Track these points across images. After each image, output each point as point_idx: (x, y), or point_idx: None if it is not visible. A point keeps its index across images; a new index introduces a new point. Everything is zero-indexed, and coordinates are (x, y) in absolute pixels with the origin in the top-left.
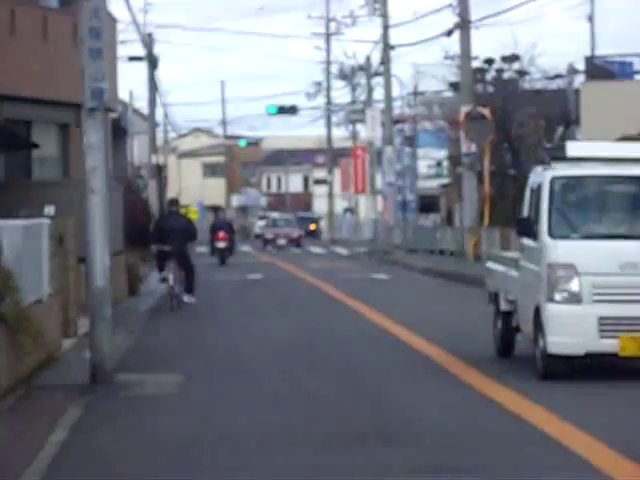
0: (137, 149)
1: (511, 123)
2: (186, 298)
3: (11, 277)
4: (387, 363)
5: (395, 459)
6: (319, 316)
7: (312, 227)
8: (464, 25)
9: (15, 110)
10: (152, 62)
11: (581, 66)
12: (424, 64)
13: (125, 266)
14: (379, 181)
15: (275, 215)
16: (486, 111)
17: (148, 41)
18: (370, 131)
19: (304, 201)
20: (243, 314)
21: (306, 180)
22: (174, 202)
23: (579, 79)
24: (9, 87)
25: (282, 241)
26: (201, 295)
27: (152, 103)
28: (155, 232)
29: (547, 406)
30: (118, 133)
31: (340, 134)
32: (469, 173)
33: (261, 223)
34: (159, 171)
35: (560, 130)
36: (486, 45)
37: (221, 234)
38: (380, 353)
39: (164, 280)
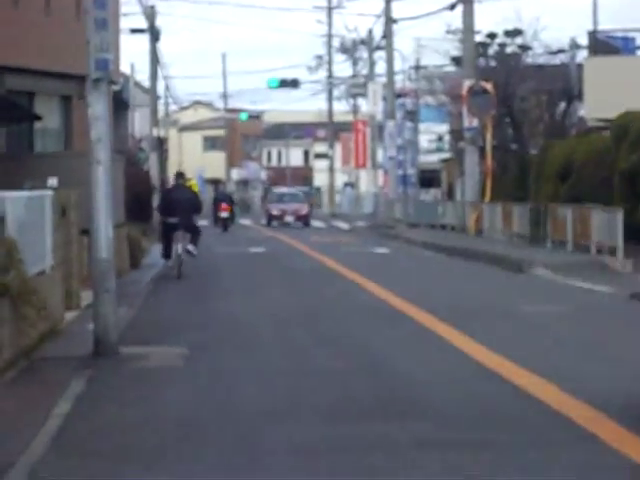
0: (138, 122)
1: (513, 98)
2: (190, 247)
3: (15, 248)
4: (389, 335)
5: (402, 433)
6: (321, 289)
7: (226, 208)
8: None
9: (18, 81)
10: (154, 35)
11: (584, 41)
12: (426, 38)
13: (127, 239)
14: (380, 155)
15: (282, 189)
16: (489, 85)
17: (150, 13)
18: (372, 105)
19: (304, 175)
20: (246, 287)
21: (306, 154)
22: (181, 175)
23: (582, 54)
24: (12, 58)
25: (289, 218)
26: (204, 268)
27: (154, 76)
28: (162, 204)
29: None
30: (119, 106)
31: (341, 108)
32: (471, 148)
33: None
34: (160, 144)
35: (563, 105)
36: (489, 19)
37: (223, 205)
38: (383, 326)
39: (167, 257)
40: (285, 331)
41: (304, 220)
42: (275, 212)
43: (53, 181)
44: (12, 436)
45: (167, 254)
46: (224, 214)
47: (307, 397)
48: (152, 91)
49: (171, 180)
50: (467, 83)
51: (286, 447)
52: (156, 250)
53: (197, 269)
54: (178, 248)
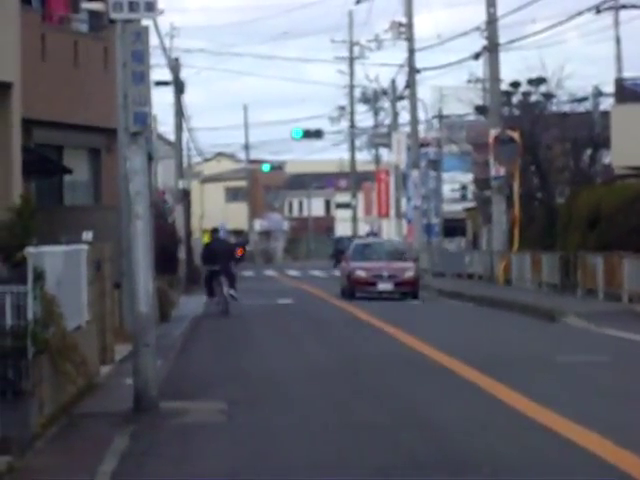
0: (161, 174)
1: (539, 146)
2: (232, 292)
3: (55, 303)
4: (429, 388)
5: None
6: (355, 341)
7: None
8: (492, 48)
9: (46, 135)
10: (179, 87)
11: (608, 88)
12: (448, 87)
13: (156, 291)
14: (403, 205)
15: (370, 239)
16: (515, 134)
17: (175, 66)
18: (396, 155)
19: (326, 225)
20: (277, 338)
21: (328, 204)
22: (216, 230)
23: (607, 101)
24: (40, 112)
25: (385, 285)
26: (234, 320)
27: (179, 128)
28: (206, 254)
29: None
30: None
31: (362, 158)
32: (498, 197)
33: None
34: (186, 196)
35: (588, 153)
36: (511, 68)
37: (238, 249)
38: (423, 379)
39: (211, 295)
40: (321, 384)
41: (411, 288)
42: (362, 275)
43: (88, 235)
44: None
45: (211, 293)
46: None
47: (355, 452)
48: (177, 144)
49: (196, 232)
50: (493, 132)
51: None
52: (185, 302)
53: (228, 321)
54: (224, 289)
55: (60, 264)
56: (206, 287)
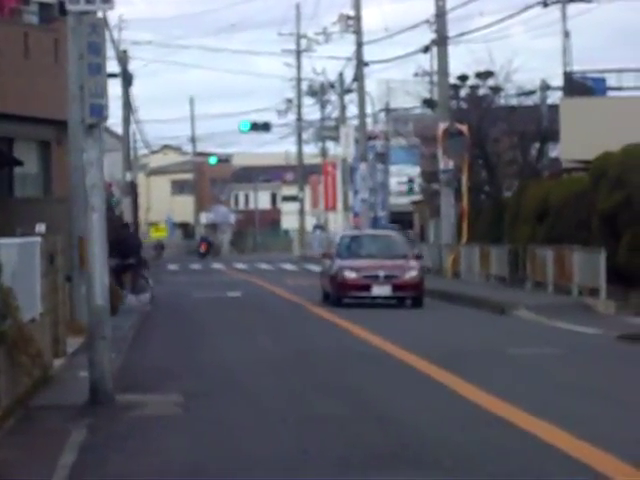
0: (107, 166)
1: (486, 139)
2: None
3: (11, 295)
4: (382, 380)
5: None
6: (304, 333)
7: (203, 247)
8: (441, 41)
9: None
10: (127, 79)
11: (556, 82)
12: (394, 80)
13: None
14: (351, 198)
15: (362, 232)
16: (464, 128)
17: (123, 58)
18: (344, 148)
19: (272, 218)
20: (229, 331)
21: (274, 197)
22: (126, 225)
23: (555, 95)
24: None
25: (381, 289)
26: (184, 313)
27: (127, 121)
28: (118, 248)
29: None
30: None
31: (309, 151)
32: (447, 190)
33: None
34: (133, 189)
35: (536, 146)
36: (459, 62)
37: (203, 244)
38: (377, 372)
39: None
40: (278, 378)
41: (413, 292)
42: (351, 277)
43: (41, 227)
44: None
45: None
46: (203, 249)
47: (314, 445)
48: (125, 136)
49: (143, 226)
50: (442, 125)
51: None
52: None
53: (178, 314)
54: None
55: (15, 256)
56: (118, 281)
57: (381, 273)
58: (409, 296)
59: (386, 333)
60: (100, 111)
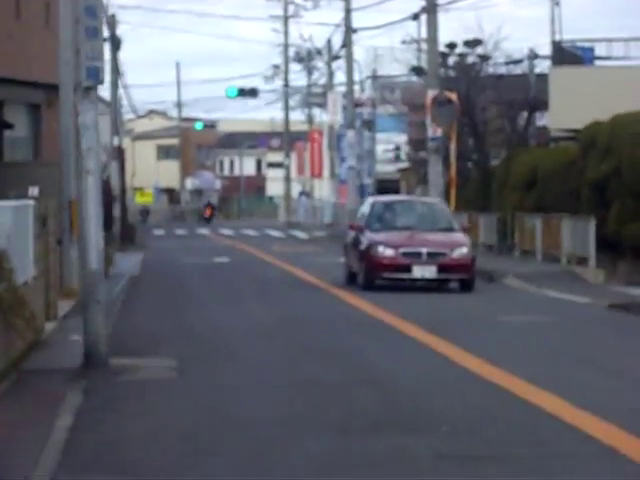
0: None
1: (474, 108)
2: None
3: (5, 258)
4: (377, 347)
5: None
6: (294, 299)
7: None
8: (431, 9)
9: None
10: (115, 43)
11: (545, 51)
12: (382, 48)
13: None
14: (337, 165)
15: (396, 197)
16: (453, 95)
17: (112, 22)
18: (331, 115)
19: (257, 184)
20: (218, 297)
21: (259, 163)
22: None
23: (543, 64)
24: None
25: (428, 269)
26: (173, 279)
27: (115, 85)
28: None
29: None
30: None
31: (295, 118)
32: (435, 157)
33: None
34: (121, 153)
35: (524, 115)
36: (450, 30)
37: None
38: (370, 338)
39: None
40: (270, 342)
41: (464, 274)
42: (389, 254)
43: (34, 190)
44: (18, 450)
45: None
46: (207, 214)
47: (310, 409)
48: (113, 100)
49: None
50: (431, 93)
51: (303, 462)
52: (120, 259)
53: (167, 279)
54: None
55: (9, 219)
56: None
57: (424, 250)
58: (458, 278)
59: (370, 298)
60: (97, 74)
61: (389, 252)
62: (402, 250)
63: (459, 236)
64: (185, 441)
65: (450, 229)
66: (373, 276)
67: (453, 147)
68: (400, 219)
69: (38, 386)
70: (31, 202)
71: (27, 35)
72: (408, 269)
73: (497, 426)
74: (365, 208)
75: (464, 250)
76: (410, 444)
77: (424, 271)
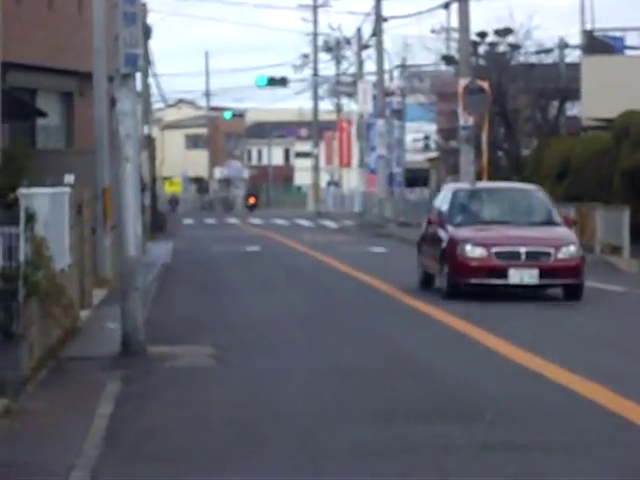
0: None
1: (505, 97)
2: None
3: (44, 245)
4: (416, 335)
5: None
6: (328, 287)
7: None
8: None
9: (20, 78)
10: (146, 33)
11: (576, 40)
12: (411, 37)
13: None
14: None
15: (485, 185)
16: (485, 84)
17: (143, 10)
18: (361, 104)
19: (285, 174)
20: (252, 286)
21: (287, 153)
22: None
23: (573, 54)
24: (15, 55)
25: (527, 274)
26: (205, 267)
27: (145, 74)
28: None
29: None
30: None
31: (323, 107)
32: (467, 147)
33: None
34: (151, 142)
35: (555, 104)
36: (481, 18)
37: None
38: (407, 326)
39: None
40: (307, 330)
41: (572, 277)
42: (478, 255)
43: (70, 178)
44: (61, 438)
45: None
46: (251, 202)
47: (352, 398)
48: (144, 90)
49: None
50: (463, 82)
51: (348, 449)
52: (151, 248)
53: (199, 267)
54: None
55: (47, 206)
56: None
57: (522, 249)
58: (564, 283)
59: (412, 288)
60: (135, 61)
61: (479, 252)
62: (495, 249)
63: (564, 231)
64: (228, 428)
65: (552, 222)
66: (458, 281)
67: (485, 136)
68: (490, 211)
69: (77, 374)
70: (67, 190)
71: (59, 23)
72: (503, 273)
73: (541, 414)
74: (444, 197)
75: (572, 249)
76: None
77: (523, 275)
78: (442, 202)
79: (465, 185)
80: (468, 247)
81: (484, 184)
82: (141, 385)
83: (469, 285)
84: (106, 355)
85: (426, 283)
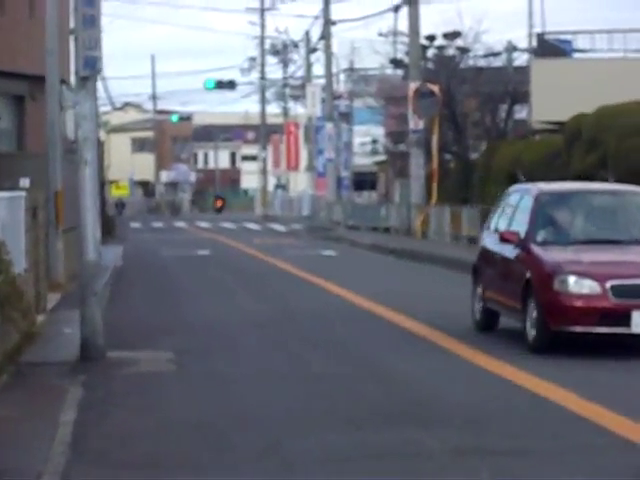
0: (70, 123)
1: (454, 100)
2: None
3: (3, 249)
4: (368, 335)
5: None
6: (283, 291)
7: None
8: (413, 0)
9: None
10: None
11: (524, 44)
12: (359, 40)
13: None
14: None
15: (576, 186)
16: (435, 88)
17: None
18: (310, 107)
19: (232, 177)
20: (207, 290)
21: (233, 156)
22: None
23: (521, 57)
24: None
25: None
26: (157, 271)
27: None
28: None
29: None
30: None
31: (270, 111)
32: (416, 150)
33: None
34: (99, 146)
35: (503, 108)
36: (429, 22)
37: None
38: (368, 332)
39: None
40: (263, 334)
41: None
42: (588, 292)
43: (25, 182)
44: (26, 446)
45: None
46: (218, 205)
47: (319, 404)
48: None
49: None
50: (413, 85)
51: (316, 455)
52: (102, 252)
53: (151, 271)
54: None
55: (4, 210)
56: None
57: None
58: None
59: (372, 294)
60: (94, 64)
61: (588, 286)
62: (612, 283)
63: None
64: (195, 434)
65: None
66: (556, 329)
67: (435, 140)
68: (590, 225)
69: (37, 379)
70: (23, 193)
71: (11, 27)
72: (624, 318)
73: (511, 419)
74: (520, 204)
75: None
76: None
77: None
78: (516, 211)
79: (552, 187)
80: (572, 279)
81: (574, 185)
82: (103, 391)
83: (573, 334)
84: (66, 360)
85: (487, 325)
